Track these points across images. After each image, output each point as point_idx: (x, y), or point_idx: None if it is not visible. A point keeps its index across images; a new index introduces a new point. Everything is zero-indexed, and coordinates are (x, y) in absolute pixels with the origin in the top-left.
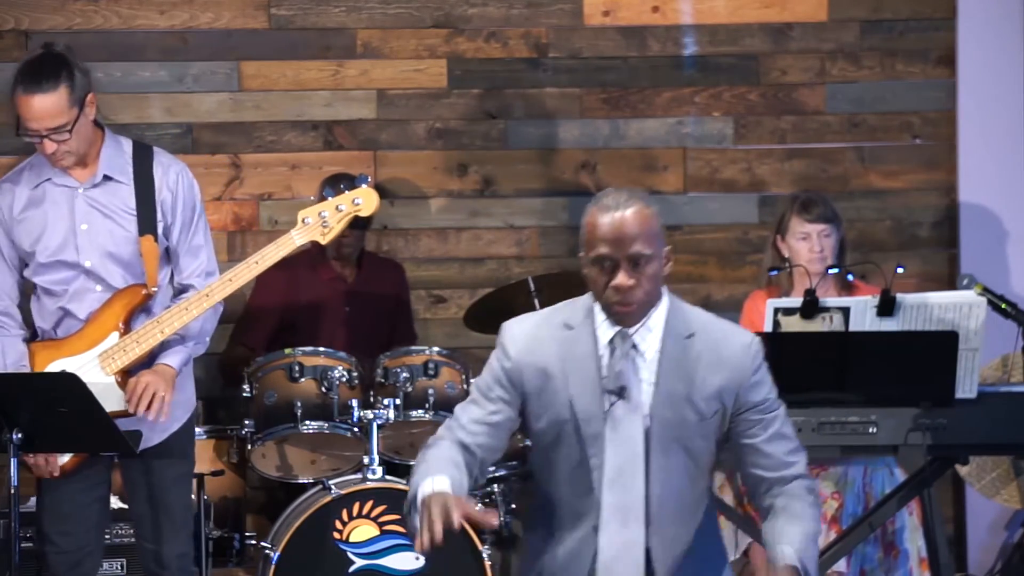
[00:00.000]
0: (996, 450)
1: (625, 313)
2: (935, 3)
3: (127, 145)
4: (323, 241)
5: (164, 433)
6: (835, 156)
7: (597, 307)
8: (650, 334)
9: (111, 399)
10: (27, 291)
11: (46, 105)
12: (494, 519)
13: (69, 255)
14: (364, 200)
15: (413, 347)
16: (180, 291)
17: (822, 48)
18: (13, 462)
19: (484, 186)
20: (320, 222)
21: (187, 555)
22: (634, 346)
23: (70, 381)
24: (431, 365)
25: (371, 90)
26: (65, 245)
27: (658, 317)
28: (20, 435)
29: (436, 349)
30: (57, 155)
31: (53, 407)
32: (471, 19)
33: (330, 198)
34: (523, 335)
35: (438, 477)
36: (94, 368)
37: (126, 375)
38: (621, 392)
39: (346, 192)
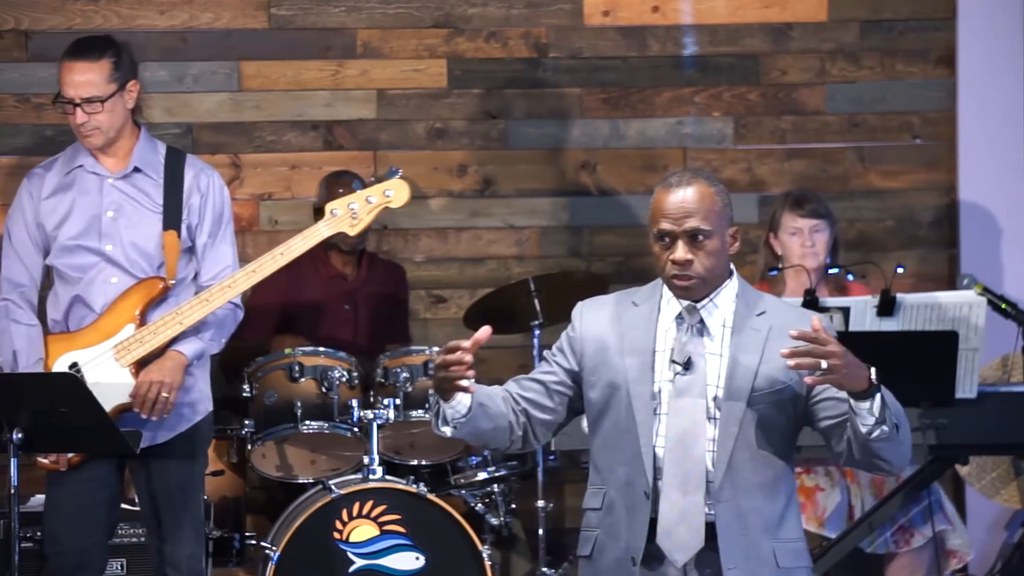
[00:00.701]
0: (996, 450)
1: (683, 287)
2: (935, 3)
3: (161, 147)
4: (352, 233)
5: (171, 432)
6: (835, 156)
7: (665, 286)
8: (717, 310)
9: (125, 391)
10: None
11: (86, 74)
12: (487, 331)
13: (91, 240)
14: (395, 192)
15: (413, 347)
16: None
17: (822, 48)
18: (13, 462)
19: (484, 186)
20: (349, 214)
21: (196, 555)
22: (701, 320)
23: (70, 381)
24: (431, 365)
25: (371, 90)
26: (89, 230)
27: (727, 295)
28: (20, 435)
29: (436, 349)
30: (85, 129)
31: (53, 407)
32: (471, 19)
33: (359, 189)
34: (590, 311)
35: None
36: (108, 360)
37: (140, 367)
38: (687, 364)
39: (375, 184)
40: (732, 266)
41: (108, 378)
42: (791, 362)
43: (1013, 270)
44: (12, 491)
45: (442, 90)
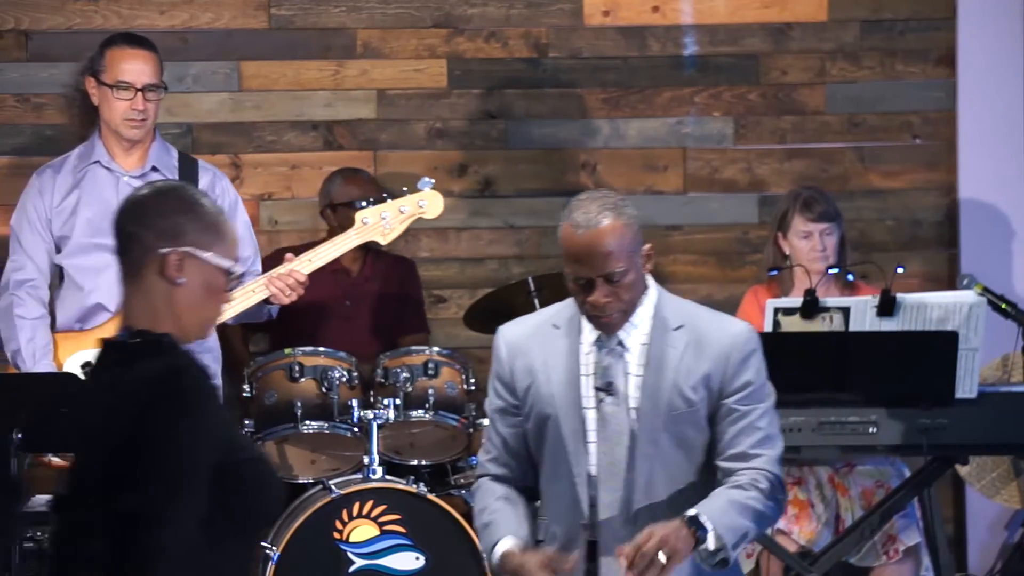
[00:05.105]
0: (996, 450)
1: (606, 324)
2: (935, 3)
3: (173, 150)
4: (384, 242)
5: None
6: (835, 156)
7: None
8: (636, 329)
9: None
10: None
11: (148, 63)
12: (568, 562)
13: (107, 238)
14: (429, 203)
15: (413, 347)
16: None
17: (822, 48)
18: (13, 462)
19: (484, 186)
20: (381, 223)
21: None
22: (620, 342)
23: (70, 381)
24: (431, 365)
25: (371, 90)
26: (104, 227)
27: (644, 311)
28: (20, 435)
29: (436, 349)
30: (138, 118)
31: (53, 407)
32: (471, 19)
33: (390, 200)
34: (512, 337)
35: (503, 540)
36: None
37: None
38: (609, 388)
39: (409, 195)
40: (648, 279)
41: None
42: None
43: (1014, 270)
44: None
45: (442, 90)
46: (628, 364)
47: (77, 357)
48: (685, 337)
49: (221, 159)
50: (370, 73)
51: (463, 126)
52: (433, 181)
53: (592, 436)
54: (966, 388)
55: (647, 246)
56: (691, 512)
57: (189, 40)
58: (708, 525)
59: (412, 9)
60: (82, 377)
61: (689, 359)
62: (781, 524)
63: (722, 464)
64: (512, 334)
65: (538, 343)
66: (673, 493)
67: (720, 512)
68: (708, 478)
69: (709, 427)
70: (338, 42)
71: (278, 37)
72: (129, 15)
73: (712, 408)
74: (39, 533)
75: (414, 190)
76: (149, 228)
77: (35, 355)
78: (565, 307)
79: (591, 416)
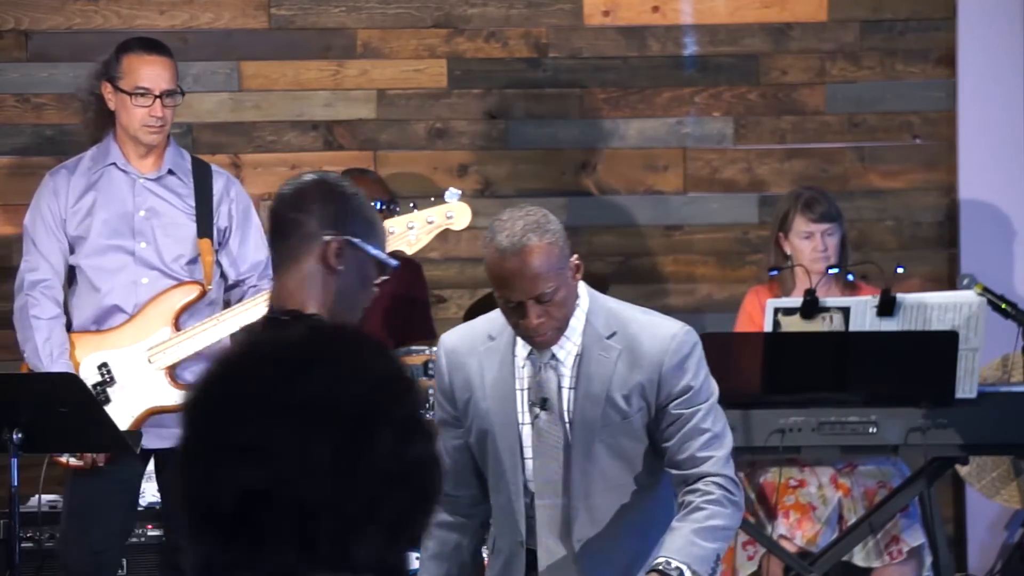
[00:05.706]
0: (996, 450)
1: (541, 343)
2: (935, 3)
3: (186, 154)
4: (409, 251)
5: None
6: (835, 156)
7: None
8: (568, 341)
9: (157, 394)
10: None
11: (166, 69)
12: None
13: (124, 239)
14: (457, 214)
15: (413, 347)
16: (233, 286)
17: (822, 48)
18: (13, 462)
19: (484, 186)
20: (407, 233)
21: None
22: (553, 355)
23: (70, 381)
24: (431, 365)
25: (371, 90)
26: (120, 229)
27: (576, 322)
28: (20, 435)
29: (436, 349)
30: (156, 124)
31: (53, 407)
32: (471, 19)
33: (417, 211)
34: (451, 347)
35: None
36: (141, 362)
37: (174, 370)
38: (544, 403)
39: (436, 206)
40: (580, 286)
41: (140, 380)
42: None
43: (1014, 270)
44: (12, 491)
45: (442, 90)
46: (562, 377)
47: (94, 358)
48: (618, 345)
49: (221, 159)
50: (370, 73)
51: (463, 126)
52: (460, 192)
53: (528, 452)
54: (966, 388)
55: (574, 257)
56: (660, 559)
57: (189, 40)
58: (682, 566)
59: (412, 9)
60: (98, 378)
61: (622, 369)
62: (783, 529)
63: (673, 472)
64: (451, 344)
65: (475, 356)
66: (612, 504)
67: (688, 546)
68: (649, 485)
69: (647, 435)
70: (338, 42)
71: (278, 37)
72: (129, 15)
73: (650, 416)
74: (39, 533)
75: (440, 200)
76: (312, 215)
77: (52, 354)
78: (499, 317)
79: (527, 432)
